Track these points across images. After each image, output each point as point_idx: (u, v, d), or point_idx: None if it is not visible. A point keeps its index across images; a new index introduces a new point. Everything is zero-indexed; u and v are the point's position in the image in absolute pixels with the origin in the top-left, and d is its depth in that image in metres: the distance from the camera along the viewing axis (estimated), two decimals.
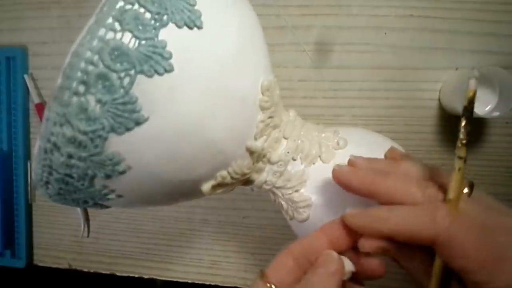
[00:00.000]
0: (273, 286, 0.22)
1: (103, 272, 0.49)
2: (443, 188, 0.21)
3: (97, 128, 0.20)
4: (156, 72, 0.20)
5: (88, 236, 0.49)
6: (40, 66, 0.48)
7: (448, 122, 0.41)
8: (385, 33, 0.41)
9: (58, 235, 0.50)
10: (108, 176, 0.22)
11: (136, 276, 0.48)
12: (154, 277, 0.48)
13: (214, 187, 0.26)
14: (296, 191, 0.28)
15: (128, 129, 0.20)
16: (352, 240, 0.23)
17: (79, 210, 0.48)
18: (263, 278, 0.22)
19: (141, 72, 0.20)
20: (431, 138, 0.41)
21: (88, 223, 0.49)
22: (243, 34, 0.24)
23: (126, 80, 0.20)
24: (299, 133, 0.28)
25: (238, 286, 0.47)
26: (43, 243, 0.50)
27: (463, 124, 0.21)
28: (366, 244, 0.22)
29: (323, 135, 0.29)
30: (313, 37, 0.43)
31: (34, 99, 0.48)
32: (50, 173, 0.22)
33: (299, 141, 0.28)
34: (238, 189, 0.40)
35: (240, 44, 0.24)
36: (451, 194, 0.21)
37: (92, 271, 0.50)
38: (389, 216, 0.21)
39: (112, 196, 0.23)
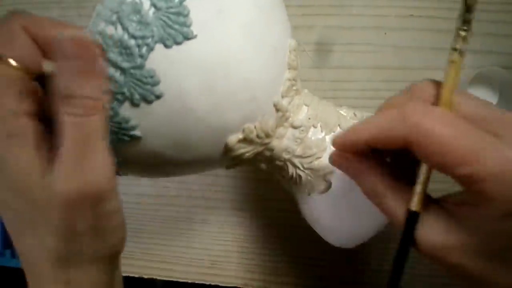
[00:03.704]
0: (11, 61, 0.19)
1: None
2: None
3: (146, 34, 0.20)
4: None
5: None
6: None
7: None
8: (386, 33, 0.41)
9: None
10: (143, 99, 0.21)
11: (136, 276, 0.48)
12: (154, 277, 0.48)
13: (240, 142, 0.26)
14: (317, 158, 0.28)
15: (176, 43, 0.20)
16: None
17: None
18: None
19: None
20: None
21: None
22: None
23: None
24: (318, 103, 0.29)
25: (238, 286, 0.47)
26: None
27: (462, 11, 0.20)
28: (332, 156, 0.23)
29: (338, 108, 0.30)
30: (313, 37, 0.43)
31: None
32: None
33: (319, 110, 0.29)
34: (239, 188, 0.40)
35: (274, 1, 0.26)
36: (443, 89, 0.20)
37: None
38: (365, 125, 0.21)
39: (136, 132, 0.22)
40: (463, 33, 0.20)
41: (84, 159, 0.18)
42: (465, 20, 0.20)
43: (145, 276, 0.48)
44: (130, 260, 0.49)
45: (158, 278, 0.48)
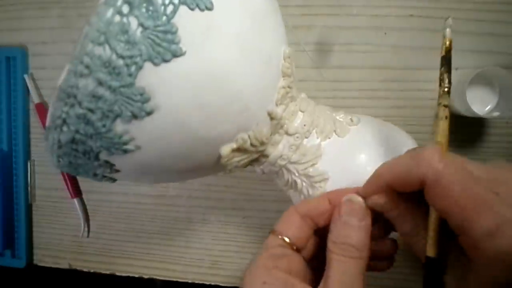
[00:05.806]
0: (285, 238, 0.24)
1: (103, 272, 0.49)
2: None
3: (134, 53, 0.20)
4: (198, 6, 0.21)
5: (88, 236, 0.49)
6: (40, 66, 0.48)
7: None
8: (385, 33, 0.41)
9: (58, 235, 0.50)
10: (134, 116, 0.21)
11: (136, 276, 0.48)
12: (154, 277, 0.48)
13: (233, 151, 0.26)
14: (312, 165, 0.28)
15: (165, 61, 0.20)
16: None
17: (79, 210, 0.48)
18: (274, 233, 0.25)
19: (184, 3, 0.20)
20: (431, 138, 0.41)
21: (88, 223, 0.49)
22: (269, 1, 0.26)
23: (170, 8, 0.20)
24: (314, 109, 0.29)
25: (238, 286, 0.47)
26: (43, 243, 0.50)
27: (442, 72, 0.22)
28: (368, 202, 0.24)
29: (334, 114, 0.30)
30: (313, 37, 0.43)
31: (34, 99, 0.48)
32: (72, 106, 0.21)
33: (314, 116, 0.29)
34: (239, 188, 0.40)
35: (268, 7, 0.25)
36: (439, 140, 0.22)
37: (92, 271, 0.50)
38: (385, 169, 0.23)
39: (130, 146, 0.23)
40: (446, 89, 0.22)
41: None
42: (449, 79, 0.22)
43: (145, 276, 0.48)
44: (130, 260, 0.49)
45: (158, 278, 0.48)
